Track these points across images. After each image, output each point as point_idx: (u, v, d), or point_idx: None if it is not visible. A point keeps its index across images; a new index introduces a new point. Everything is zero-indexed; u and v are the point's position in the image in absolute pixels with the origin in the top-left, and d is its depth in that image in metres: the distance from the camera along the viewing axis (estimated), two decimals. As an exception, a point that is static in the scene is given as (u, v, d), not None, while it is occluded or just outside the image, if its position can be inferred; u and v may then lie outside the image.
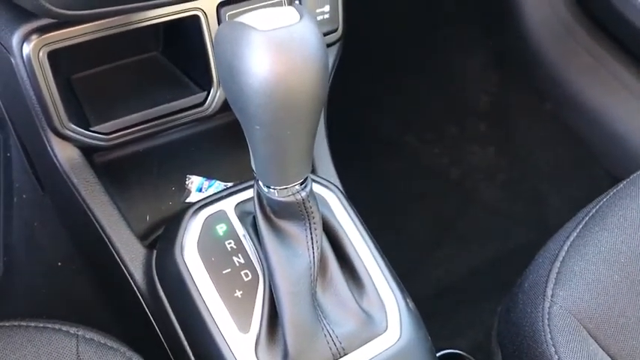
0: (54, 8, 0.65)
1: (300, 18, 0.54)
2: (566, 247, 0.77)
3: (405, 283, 0.80)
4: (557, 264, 0.75)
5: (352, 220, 0.79)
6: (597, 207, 0.81)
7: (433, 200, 1.58)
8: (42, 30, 0.75)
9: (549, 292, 0.73)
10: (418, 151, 1.62)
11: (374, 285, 0.74)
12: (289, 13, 0.55)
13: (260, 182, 0.66)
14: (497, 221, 1.55)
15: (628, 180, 0.85)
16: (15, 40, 0.75)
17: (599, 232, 0.77)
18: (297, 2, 0.90)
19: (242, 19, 0.55)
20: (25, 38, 0.75)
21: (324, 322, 0.69)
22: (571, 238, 0.78)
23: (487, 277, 1.42)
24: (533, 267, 0.80)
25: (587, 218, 0.80)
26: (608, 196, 0.82)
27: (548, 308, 0.72)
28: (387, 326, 0.72)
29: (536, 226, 1.52)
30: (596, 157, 1.53)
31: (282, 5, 0.88)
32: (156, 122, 0.86)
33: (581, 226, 0.79)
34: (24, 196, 1.30)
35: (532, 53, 1.50)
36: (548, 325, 0.71)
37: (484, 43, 1.69)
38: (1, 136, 1.31)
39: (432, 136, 1.65)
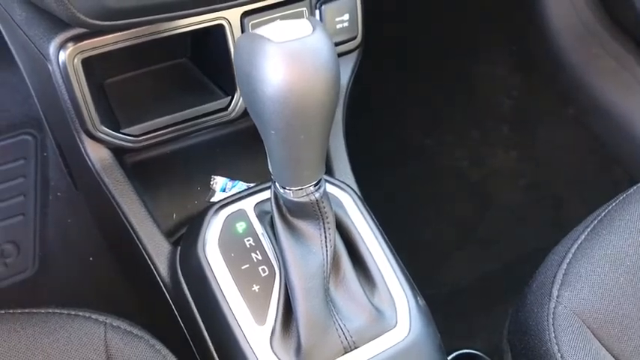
0: (88, 19, 0.70)
1: (313, 30, 0.58)
2: (573, 250, 0.79)
3: (423, 284, 0.83)
4: (564, 266, 0.78)
5: (365, 220, 0.82)
6: (606, 211, 0.83)
7: (453, 203, 1.60)
8: (77, 38, 0.80)
9: (555, 293, 0.75)
10: (438, 154, 1.64)
11: (385, 282, 0.77)
12: (303, 25, 0.59)
13: (276, 183, 0.70)
14: (517, 225, 1.56)
15: (638, 185, 0.86)
16: (52, 48, 0.81)
17: (606, 236, 0.79)
18: (317, 12, 0.94)
19: (259, 31, 0.59)
20: (61, 46, 0.80)
21: (336, 316, 0.73)
22: (579, 241, 0.80)
23: (505, 279, 1.44)
24: (542, 268, 0.82)
25: (595, 222, 0.82)
26: (617, 201, 0.84)
27: (554, 308, 0.74)
28: (396, 322, 0.75)
29: (556, 230, 1.53)
30: (619, 161, 1.53)
31: (302, 15, 0.92)
32: (182, 125, 0.91)
33: (589, 229, 0.81)
34: (59, 194, 1.36)
35: (555, 57, 1.51)
36: (553, 324, 0.73)
37: (507, 46, 1.70)
38: (39, 137, 1.38)
39: (453, 140, 1.67)
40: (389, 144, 1.65)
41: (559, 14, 1.49)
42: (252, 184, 0.99)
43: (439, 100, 1.71)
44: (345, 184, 0.85)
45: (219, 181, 1.00)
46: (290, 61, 0.56)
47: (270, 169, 0.70)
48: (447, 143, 1.67)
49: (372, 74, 1.24)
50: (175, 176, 1.00)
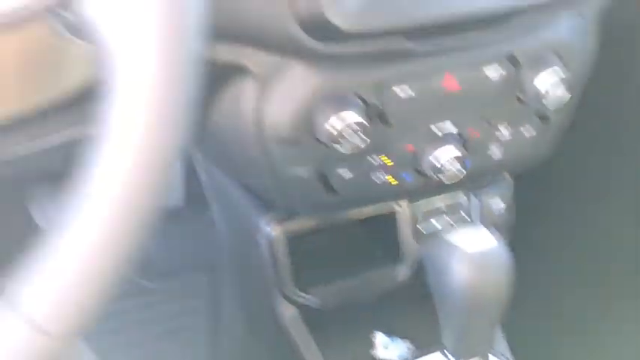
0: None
1: (498, 242, 0.74)
2: None
3: None
4: None
5: None
6: None
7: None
8: (283, 219, 1.00)
9: None
10: (615, 330, 1.38)
11: None
12: (487, 236, 0.74)
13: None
14: None
15: None
16: (262, 224, 1.00)
17: None
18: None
19: (450, 238, 0.75)
20: (270, 224, 1.00)
21: None
22: None
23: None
24: None
25: None
26: None
27: None
28: None
29: None
30: None
31: (462, 199, 1.06)
32: (359, 289, 1.06)
33: None
34: (230, 335, 1.49)
35: None
36: None
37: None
38: (211, 279, 1.54)
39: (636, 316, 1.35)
40: (551, 318, 1.51)
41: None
42: (408, 343, 1.10)
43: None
44: (505, 356, 0.96)
45: (380, 338, 1.13)
46: (477, 269, 0.71)
47: (445, 342, 0.83)
48: (628, 319, 1.34)
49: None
50: (340, 327, 1.14)
